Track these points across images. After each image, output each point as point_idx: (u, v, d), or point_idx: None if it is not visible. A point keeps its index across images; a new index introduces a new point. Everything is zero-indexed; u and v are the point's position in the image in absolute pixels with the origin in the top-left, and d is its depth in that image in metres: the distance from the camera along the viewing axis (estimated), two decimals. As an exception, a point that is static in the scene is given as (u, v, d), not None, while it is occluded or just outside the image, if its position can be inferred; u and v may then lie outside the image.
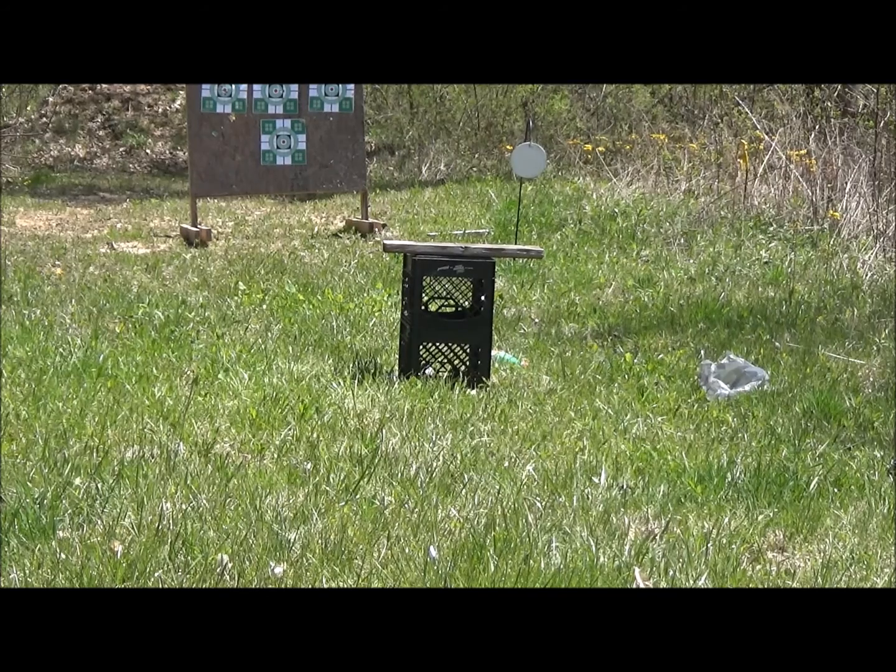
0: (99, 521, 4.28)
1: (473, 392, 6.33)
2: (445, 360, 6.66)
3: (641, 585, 3.93)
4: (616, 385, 6.67)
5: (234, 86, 11.35)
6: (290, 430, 5.46)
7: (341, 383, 6.26)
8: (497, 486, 4.86)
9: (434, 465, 5.08)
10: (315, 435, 5.40)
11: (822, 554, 4.44)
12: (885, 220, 10.99)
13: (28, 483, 4.61)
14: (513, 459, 5.26)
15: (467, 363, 6.61)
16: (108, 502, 4.44)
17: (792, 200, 12.17)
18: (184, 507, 4.42)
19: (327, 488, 4.75)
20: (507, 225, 11.62)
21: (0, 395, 5.75)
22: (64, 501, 4.42)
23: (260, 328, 7.76)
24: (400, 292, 7.23)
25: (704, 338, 7.87)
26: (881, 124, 12.30)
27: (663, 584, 4.01)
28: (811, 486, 5.13)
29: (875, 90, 12.89)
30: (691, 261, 10.40)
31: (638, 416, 6.06)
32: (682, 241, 11.08)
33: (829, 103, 14.07)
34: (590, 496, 4.85)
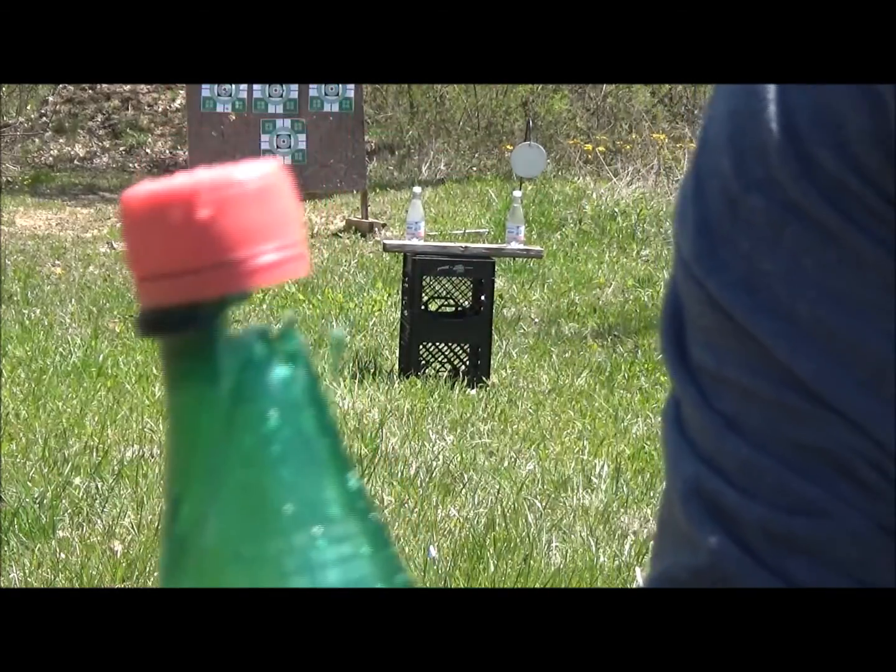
0: (99, 521, 4.28)
1: (473, 392, 6.33)
2: (445, 360, 6.66)
3: (642, 585, 3.93)
4: (616, 385, 6.67)
5: (234, 85, 11.35)
6: (289, 429, 5.46)
7: (341, 383, 6.26)
8: (497, 486, 4.86)
9: (434, 464, 5.08)
10: (315, 435, 5.40)
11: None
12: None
13: (28, 483, 4.61)
14: (513, 459, 5.26)
15: (467, 363, 6.61)
16: (107, 502, 4.44)
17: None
18: (184, 506, 4.42)
19: (327, 488, 4.75)
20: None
21: (0, 395, 5.75)
22: (64, 501, 4.42)
23: (260, 328, 7.76)
24: (400, 292, 7.23)
25: (704, 338, 7.87)
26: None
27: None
28: (811, 486, 5.13)
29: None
30: (691, 261, 10.41)
31: (638, 416, 6.06)
32: (682, 240, 11.09)
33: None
34: (590, 496, 4.85)
